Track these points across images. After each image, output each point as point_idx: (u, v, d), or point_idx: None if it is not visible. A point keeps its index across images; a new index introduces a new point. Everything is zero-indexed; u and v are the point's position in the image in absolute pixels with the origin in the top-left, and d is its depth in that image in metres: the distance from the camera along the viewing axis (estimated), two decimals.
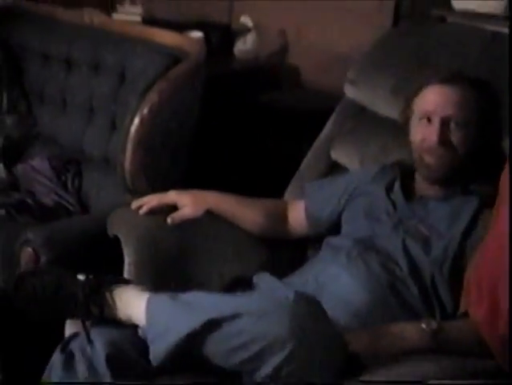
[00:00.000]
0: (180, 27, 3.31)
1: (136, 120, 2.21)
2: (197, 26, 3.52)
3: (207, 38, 3.35)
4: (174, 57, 2.43)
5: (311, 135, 2.35)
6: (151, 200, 1.92)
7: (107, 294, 1.58)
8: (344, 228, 1.93)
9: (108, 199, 2.41)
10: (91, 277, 1.61)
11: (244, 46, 3.38)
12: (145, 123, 2.21)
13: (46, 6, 2.98)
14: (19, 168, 2.63)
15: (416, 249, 1.71)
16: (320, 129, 2.32)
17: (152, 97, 2.23)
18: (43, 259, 2.00)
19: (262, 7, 3.57)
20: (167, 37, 2.57)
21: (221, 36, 3.53)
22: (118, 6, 3.76)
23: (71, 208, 2.48)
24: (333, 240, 1.90)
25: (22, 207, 2.46)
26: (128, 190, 2.30)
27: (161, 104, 2.23)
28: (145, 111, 2.21)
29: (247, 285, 1.81)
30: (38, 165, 2.60)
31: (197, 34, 3.22)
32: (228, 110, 3.06)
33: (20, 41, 2.91)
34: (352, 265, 1.72)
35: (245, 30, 3.42)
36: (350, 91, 2.27)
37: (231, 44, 3.49)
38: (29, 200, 2.49)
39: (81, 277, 1.61)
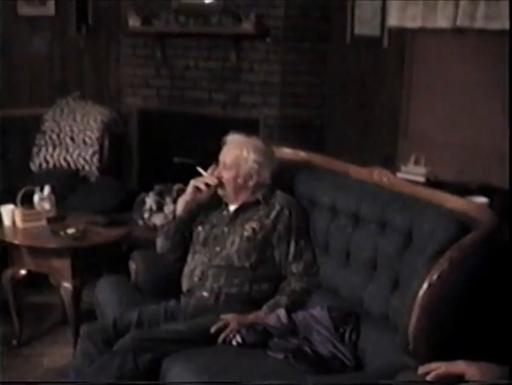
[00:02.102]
0: (463, 190, 3.38)
1: (425, 285, 2.27)
2: (480, 190, 3.57)
3: (489, 204, 3.38)
4: (463, 224, 2.48)
5: None
6: (438, 368, 1.94)
7: None
8: None
9: (384, 357, 2.46)
10: None
11: None
12: (434, 289, 2.26)
13: (340, 162, 3.20)
14: (299, 315, 2.78)
15: None
16: None
17: (442, 264, 2.29)
18: None
19: None
20: (455, 202, 2.64)
21: (503, 202, 3.53)
22: (402, 165, 3.93)
23: (346, 361, 2.55)
24: None
25: (299, 354, 2.59)
26: (406, 352, 2.33)
27: (451, 271, 2.27)
28: (434, 277, 2.27)
29: None
30: (317, 314, 2.73)
31: (482, 200, 3.26)
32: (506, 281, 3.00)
33: (310, 193, 3.15)
34: None
35: None
36: None
37: None
38: (306, 348, 2.61)
39: None
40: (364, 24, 4.88)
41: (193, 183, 3.15)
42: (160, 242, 3.21)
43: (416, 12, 4.35)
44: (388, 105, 4.83)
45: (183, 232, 3.18)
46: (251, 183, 3.09)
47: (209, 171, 3.16)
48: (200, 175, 3.19)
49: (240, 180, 3.09)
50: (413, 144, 4.50)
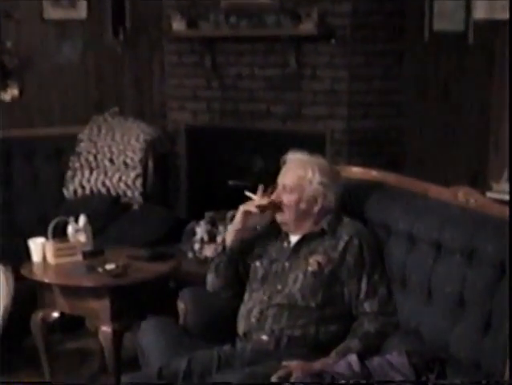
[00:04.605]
0: None
1: None
2: None
3: None
4: None
5: None
6: None
7: None
8: None
9: None
10: None
11: None
12: None
13: (418, 182, 3.19)
14: (374, 362, 2.75)
15: None
16: None
17: None
18: None
19: None
20: None
21: None
22: (493, 183, 3.89)
23: None
24: None
25: None
26: None
27: None
28: None
29: None
30: (395, 360, 2.70)
31: None
32: None
33: (383, 218, 3.15)
34: None
35: None
36: None
37: None
38: None
39: None
40: (445, 18, 4.87)
41: (242, 208, 3.19)
42: (210, 279, 3.25)
43: (507, 2, 4.33)
44: (475, 112, 4.80)
45: (236, 266, 3.21)
46: (316, 208, 3.11)
47: (258, 193, 3.20)
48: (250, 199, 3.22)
49: (303, 206, 3.10)
50: (506, 158, 4.44)
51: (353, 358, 2.78)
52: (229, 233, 3.24)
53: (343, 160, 4.97)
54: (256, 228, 3.32)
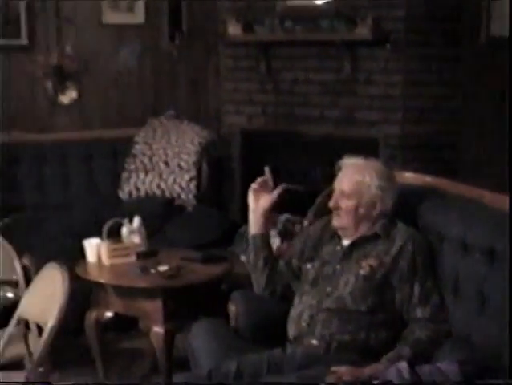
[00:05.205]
0: None
1: None
2: None
3: None
4: None
5: None
6: None
7: None
8: None
9: None
10: None
11: None
12: None
13: (472, 188, 3.15)
14: (425, 369, 2.72)
15: None
16: None
17: None
18: None
19: None
20: None
21: None
22: None
23: None
24: None
25: None
26: None
27: None
28: None
29: None
30: (446, 369, 2.67)
31: None
32: None
33: (436, 224, 3.11)
34: None
35: None
36: None
37: None
38: None
39: None
40: (502, 23, 4.79)
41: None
42: (253, 279, 3.29)
43: None
44: None
45: (267, 256, 3.23)
46: (374, 213, 3.09)
47: (266, 174, 3.33)
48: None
49: (362, 210, 3.09)
50: None
51: (403, 365, 2.74)
52: (250, 221, 3.32)
53: (397, 165, 4.92)
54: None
